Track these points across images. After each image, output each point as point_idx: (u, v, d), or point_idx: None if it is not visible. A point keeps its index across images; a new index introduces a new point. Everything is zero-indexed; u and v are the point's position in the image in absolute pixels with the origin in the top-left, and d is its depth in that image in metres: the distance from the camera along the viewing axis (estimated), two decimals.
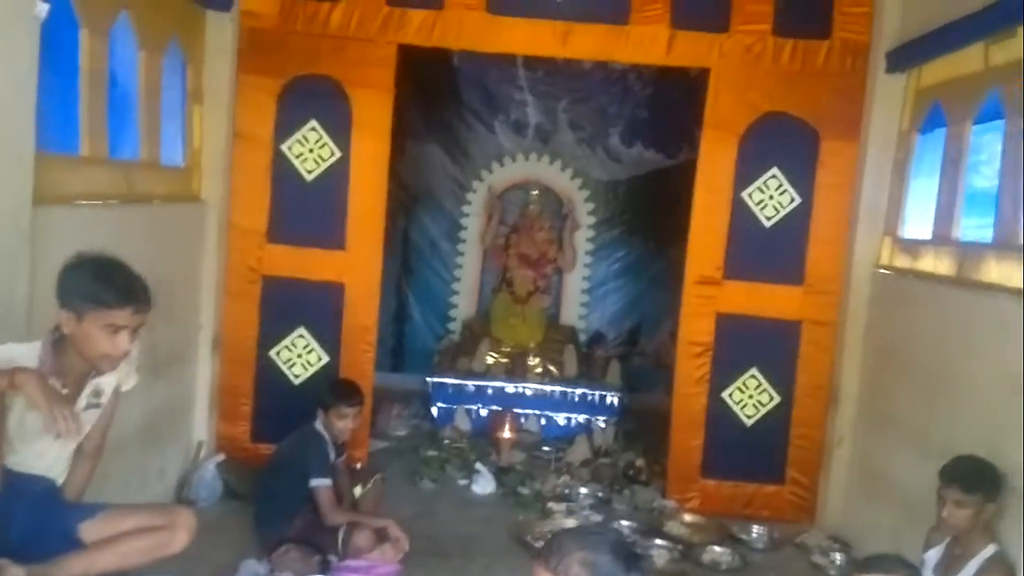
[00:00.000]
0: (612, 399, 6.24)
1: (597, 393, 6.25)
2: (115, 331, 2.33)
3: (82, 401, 2.51)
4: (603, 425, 6.16)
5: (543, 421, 6.26)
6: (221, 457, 4.65)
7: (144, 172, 4.03)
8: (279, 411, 4.84)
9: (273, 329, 4.89)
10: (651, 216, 7.19)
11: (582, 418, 6.23)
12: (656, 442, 5.67)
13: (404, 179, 7.24)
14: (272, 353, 4.89)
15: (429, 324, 7.40)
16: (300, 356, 4.90)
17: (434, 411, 6.28)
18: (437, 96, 7.13)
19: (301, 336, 4.89)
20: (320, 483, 3.90)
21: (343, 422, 4.05)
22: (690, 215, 4.90)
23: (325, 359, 4.91)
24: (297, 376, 4.91)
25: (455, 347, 6.76)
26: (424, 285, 7.40)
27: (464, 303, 7.25)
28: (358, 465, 4.74)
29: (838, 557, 4.35)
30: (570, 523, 4.47)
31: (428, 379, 6.32)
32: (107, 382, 2.58)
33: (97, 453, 2.71)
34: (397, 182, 7.12)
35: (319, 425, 4.07)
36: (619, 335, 7.40)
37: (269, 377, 4.88)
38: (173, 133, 4.38)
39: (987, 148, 4.09)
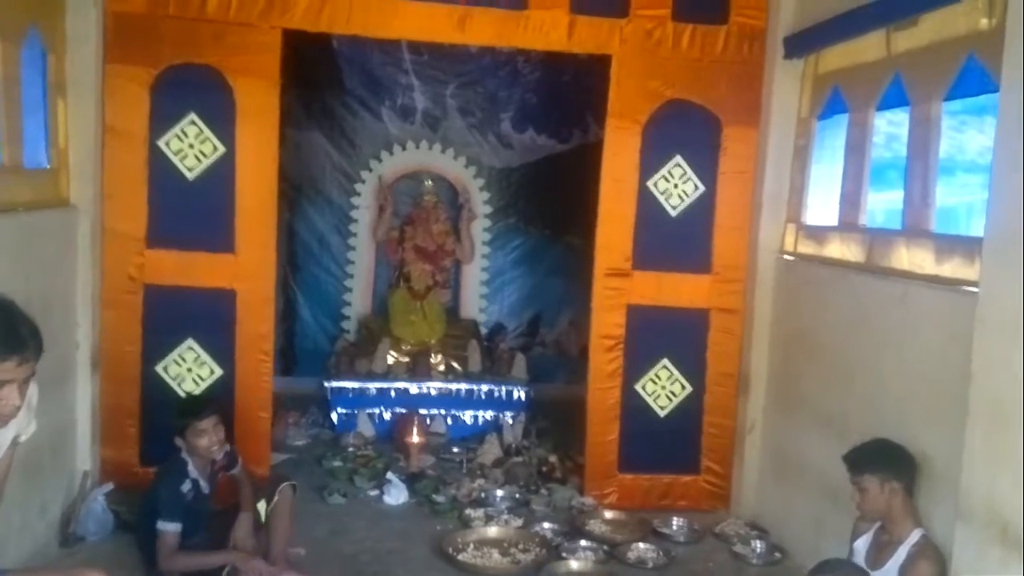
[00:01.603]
0: (519, 394, 6.11)
1: (504, 388, 6.10)
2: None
3: None
4: (511, 421, 6.03)
5: (450, 421, 6.07)
6: (109, 487, 4.23)
7: (7, 176, 3.57)
8: (170, 431, 4.43)
9: (159, 342, 4.49)
10: (547, 203, 7.11)
11: (490, 415, 6.09)
12: (566, 436, 5.60)
13: (287, 170, 6.81)
14: (159, 368, 4.50)
15: (321, 324, 7.07)
16: (190, 370, 4.53)
17: (334, 417, 5.99)
18: (318, 81, 6.78)
19: (191, 348, 4.52)
20: (163, 526, 3.51)
21: (204, 439, 3.64)
22: (590, 201, 4.80)
23: (218, 372, 4.55)
24: (188, 392, 4.53)
25: (352, 348, 6.48)
26: (313, 282, 7.06)
27: (358, 300, 6.96)
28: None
29: (758, 545, 4.37)
30: (491, 531, 4.33)
31: (326, 383, 6.01)
32: (4, 434, 2.23)
33: None
34: (279, 174, 6.78)
35: (184, 453, 3.69)
36: (519, 326, 7.28)
37: (157, 395, 4.48)
38: (35, 131, 3.91)
39: (888, 133, 4.13)
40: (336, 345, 6.61)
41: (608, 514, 4.66)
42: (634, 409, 4.82)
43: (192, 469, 3.66)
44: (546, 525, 4.51)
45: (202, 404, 3.86)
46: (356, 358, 6.25)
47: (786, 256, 4.65)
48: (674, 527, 4.62)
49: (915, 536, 3.11)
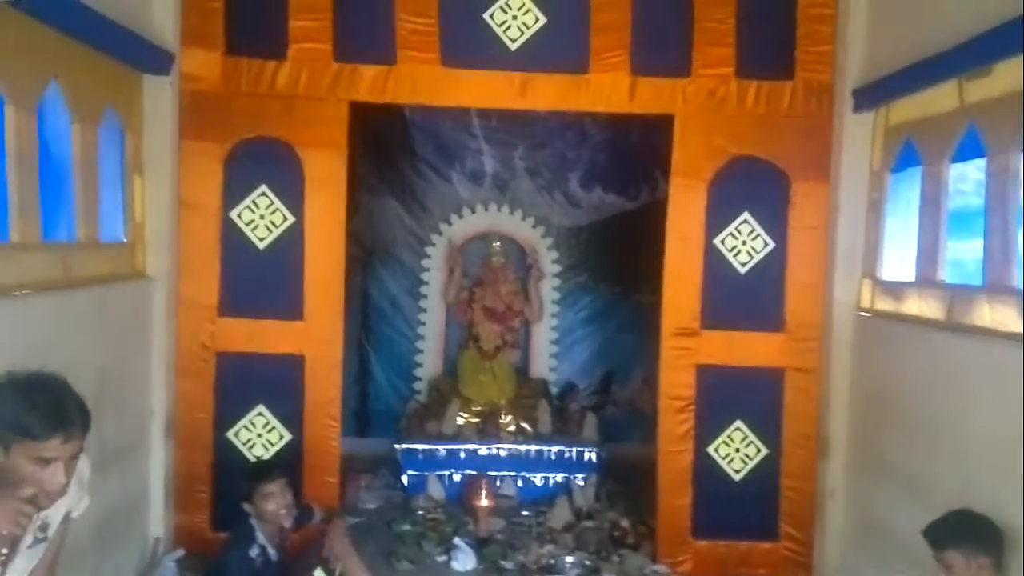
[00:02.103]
0: (590, 455, 6.00)
1: (574, 449, 6.00)
2: (45, 463, 2.02)
3: (28, 538, 2.19)
4: (582, 483, 5.91)
5: (520, 483, 5.98)
6: (180, 553, 4.31)
7: (83, 253, 3.73)
8: (241, 496, 4.53)
9: (230, 409, 4.58)
10: (616, 261, 7.04)
11: (560, 477, 5.98)
12: (640, 498, 5.44)
13: (360, 235, 7.00)
14: (230, 434, 4.58)
15: (393, 385, 7.10)
16: (260, 436, 4.60)
17: (404, 479, 5.97)
18: (390, 148, 6.92)
19: (260, 414, 4.59)
20: None
21: (272, 503, 3.69)
22: (657, 259, 4.73)
23: (287, 437, 4.61)
24: (258, 457, 4.59)
25: (423, 409, 6.48)
26: (386, 344, 7.11)
27: (429, 362, 6.98)
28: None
29: None
30: None
31: (396, 445, 6.02)
32: (55, 513, 2.27)
33: None
34: (352, 238, 6.87)
35: (252, 519, 3.73)
36: (591, 385, 7.17)
37: (228, 460, 4.55)
38: (113, 207, 4.09)
39: (966, 186, 3.97)
40: (407, 407, 6.62)
41: None
42: (707, 472, 4.67)
43: (260, 535, 3.69)
44: None
45: (270, 467, 3.91)
46: (426, 420, 6.25)
47: (863, 313, 4.48)
48: None
49: None
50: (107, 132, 3.96)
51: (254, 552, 3.64)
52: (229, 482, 4.48)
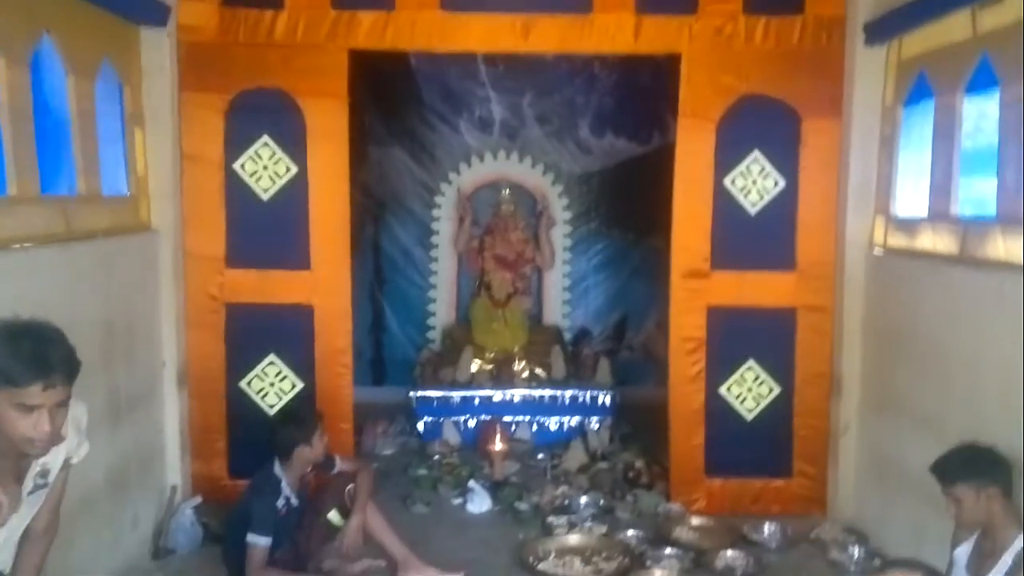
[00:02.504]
0: (604, 398, 6.03)
1: (588, 393, 6.03)
2: (28, 411, 1.98)
3: (28, 483, 2.22)
4: (597, 426, 5.94)
5: (534, 427, 6.04)
6: (198, 500, 4.37)
7: (84, 206, 3.72)
8: (256, 444, 4.48)
9: (241, 358, 4.61)
10: (628, 206, 6.99)
11: (574, 421, 6.02)
12: (654, 440, 5.47)
13: (369, 186, 7.01)
14: (243, 384, 4.61)
15: (408, 334, 7.14)
16: (273, 384, 4.63)
17: (420, 426, 6.03)
18: (397, 98, 6.87)
19: (272, 363, 4.62)
20: (254, 539, 3.57)
21: (321, 446, 3.78)
22: (669, 204, 4.66)
23: (300, 385, 4.64)
24: (272, 406, 4.64)
25: (437, 357, 6.51)
26: (399, 294, 7.14)
27: (442, 311, 7.00)
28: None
29: (856, 551, 4.15)
30: (574, 539, 4.25)
31: (411, 393, 6.06)
32: (55, 459, 2.28)
33: (48, 533, 2.42)
34: (362, 190, 6.92)
35: (277, 468, 3.75)
36: (605, 330, 7.18)
37: (242, 409, 4.60)
38: (114, 160, 4.08)
39: (980, 117, 3.87)
40: (421, 355, 6.65)
41: (695, 520, 4.52)
42: (720, 412, 4.66)
43: (286, 486, 3.73)
44: (630, 532, 4.40)
45: (313, 411, 3.96)
46: (440, 368, 6.28)
47: (876, 250, 4.42)
48: (765, 533, 4.43)
49: (1020, 543, 2.88)
50: (104, 86, 3.92)
51: (280, 503, 3.69)
52: (245, 430, 4.59)
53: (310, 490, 3.89)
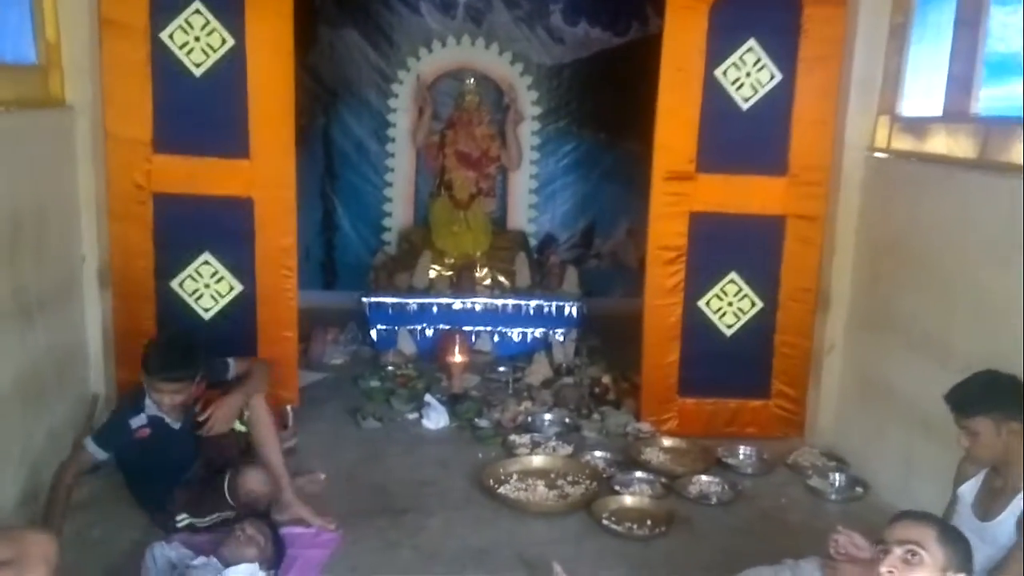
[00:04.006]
0: (571, 309, 5.67)
1: (554, 304, 5.66)
2: None
3: None
4: (562, 339, 5.60)
5: (496, 339, 5.67)
6: None
7: None
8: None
9: (172, 256, 4.12)
10: (601, 104, 6.53)
11: (539, 332, 5.67)
12: (622, 354, 5.15)
13: (320, 71, 6.42)
14: (174, 284, 4.13)
15: (362, 236, 6.67)
16: (208, 286, 4.16)
17: (373, 334, 5.63)
18: None
19: (206, 263, 4.14)
20: (85, 443, 3.19)
21: (159, 396, 3.17)
22: (651, 99, 4.20)
23: (238, 288, 4.18)
24: (207, 309, 4.18)
25: (392, 261, 6.07)
26: (352, 192, 6.63)
27: (399, 211, 6.52)
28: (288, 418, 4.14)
29: (837, 477, 3.91)
30: (537, 460, 3.93)
31: (364, 299, 5.63)
32: None
33: None
34: (312, 75, 6.37)
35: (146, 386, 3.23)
36: (572, 237, 6.78)
37: (173, 313, 4.13)
38: (16, 22, 3.48)
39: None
40: (375, 259, 6.20)
41: (667, 442, 4.23)
42: (697, 328, 4.33)
43: (150, 404, 3.21)
44: (598, 454, 4.09)
45: (176, 362, 3.21)
46: (396, 272, 5.84)
47: (877, 154, 4.03)
48: (741, 456, 4.16)
49: None
50: None
51: (136, 421, 3.19)
52: None
53: (203, 404, 3.36)
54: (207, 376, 3.35)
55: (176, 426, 3.29)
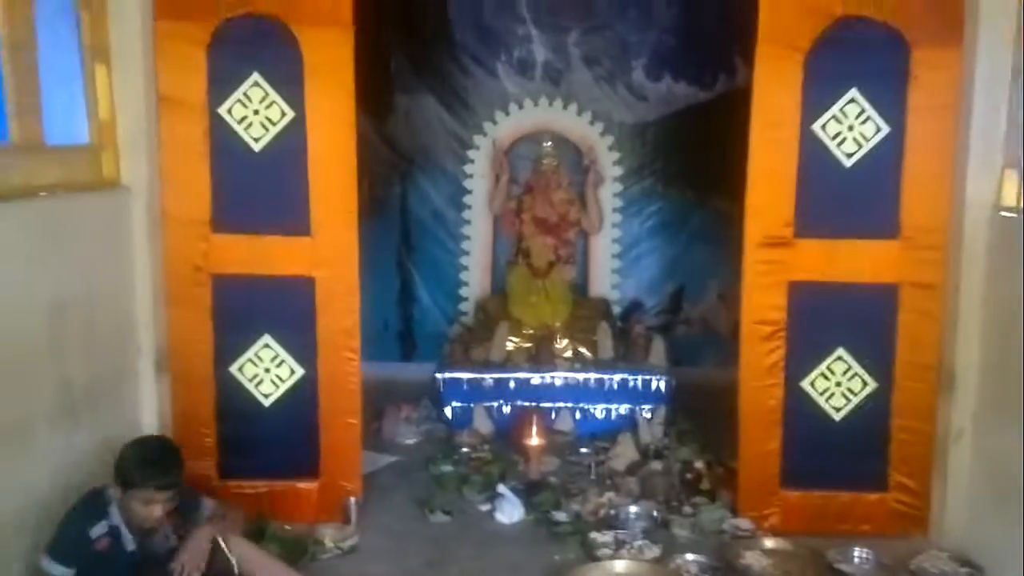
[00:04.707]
0: (658, 384, 5.24)
1: (640, 378, 5.25)
2: None
3: None
4: (649, 416, 5.17)
5: (577, 415, 5.28)
6: None
7: (16, 157, 3.02)
8: (250, 439, 3.94)
9: (232, 340, 3.91)
10: (687, 161, 6.17)
11: (624, 409, 5.25)
12: (715, 432, 4.71)
13: (396, 140, 6.29)
14: (233, 369, 3.92)
15: (439, 305, 6.43)
16: (268, 371, 3.93)
17: (448, 412, 5.32)
18: (426, 39, 6.14)
19: (267, 346, 3.92)
20: (47, 566, 2.76)
21: (148, 510, 2.84)
22: (741, 157, 3.81)
23: (300, 372, 3.94)
24: (267, 395, 3.95)
25: (468, 333, 5.77)
26: (430, 261, 6.41)
27: (476, 280, 6.25)
28: None
29: None
30: (620, 566, 3.50)
31: (438, 375, 5.35)
32: None
33: None
34: (389, 144, 6.27)
35: (110, 493, 2.89)
36: (659, 303, 6.37)
37: (233, 399, 3.92)
38: (69, 103, 3.38)
39: None
40: (451, 331, 5.92)
41: (769, 543, 3.73)
42: (801, 411, 3.86)
43: (116, 512, 2.87)
44: (690, 557, 3.62)
45: (170, 464, 2.93)
46: (472, 345, 5.55)
47: (1005, 212, 3.53)
48: (856, 559, 3.63)
49: None
50: (50, 11, 3.20)
51: (98, 531, 2.82)
52: (236, 424, 3.94)
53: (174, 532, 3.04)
54: (176, 512, 3.03)
55: (131, 547, 2.91)
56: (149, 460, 2.89)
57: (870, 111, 3.68)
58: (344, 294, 3.88)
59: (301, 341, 3.91)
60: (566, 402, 5.27)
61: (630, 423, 5.15)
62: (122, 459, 2.87)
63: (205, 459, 3.93)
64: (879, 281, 3.76)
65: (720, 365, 5.75)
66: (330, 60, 3.73)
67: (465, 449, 4.91)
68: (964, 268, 3.65)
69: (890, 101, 3.67)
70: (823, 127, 3.70)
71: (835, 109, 3.68)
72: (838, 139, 3.70)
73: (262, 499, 3.94)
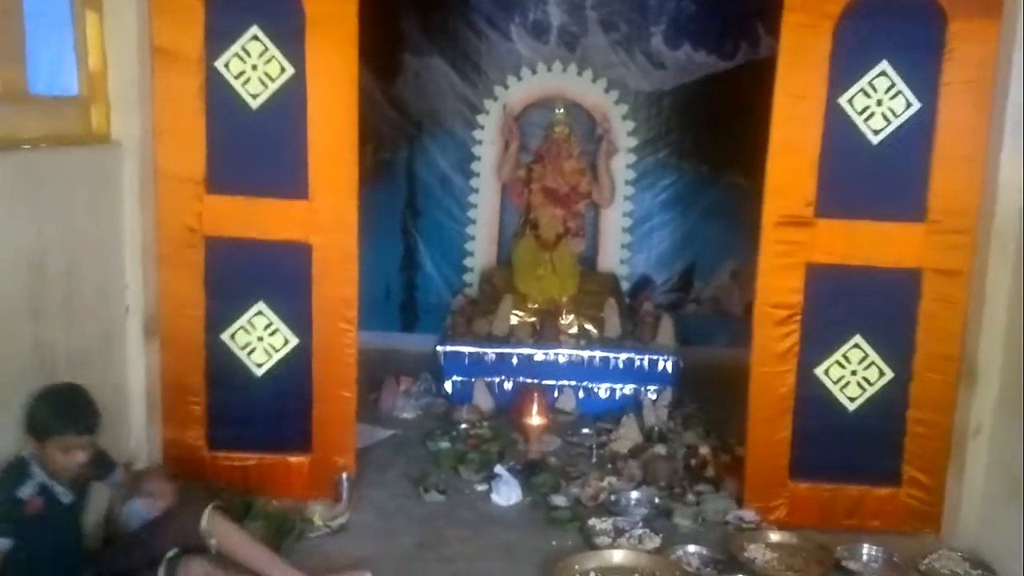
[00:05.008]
0: (665, 364, 5.10)
1: (647, 357, 5.11)
2: None
3: None
4: (655, 398, 5.02)
5: (581, 394, 5.14)
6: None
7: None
8: (241, 410, 3.81)
9: (225, 306, 3.76)
10: (704, 134, 5.97)
11: (628, 389, 5.12)
12: (723, 416, 4.61)
13: (405, 101, 6.10)
14: (225, 336, 3.77)
15: (444, 276, 6.27)
16: (261, 339, 3.78)
17: (448, 386, 5.18)
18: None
19: (260, 313, 3.77)
20: None
21: (69, 457, 2.67)
22: (760, 128, 3.62)
23: (294, 341, 3.79)
24: (260, 364, 3.80)
25: (471, 305, 5.63)
26: (436, 229, 6.24)
27: (481, 250, 6.09)
28: None
29: None
30: (619, 556, 3.36)
31: (439, 348, 5.20)
32: None
33: None
34: (396, 106, 6.07)
35: (26, 455, 2.69)
36: (670, 279, 6.20)
37: (224, 367, 3.78)
38: (57, 51, 3.21)
39: None
40: (454, 302, 5.76)
41: (775, 536, 3.59)
42: (814, 400, 3.69)
43: (38, 470, 2.69)
44: (691, 549, 3.48)
45: (85, 412, 2.74)
46: (475, 318, 5.40)
47: None
48: (864, 557, 3.50)
49: None
50: None
51: (26, 491, 2.64)
52: (227, 393, 3.81)
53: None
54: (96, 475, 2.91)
55: (67, 499, 2.77)
56: (63, 405, 2.71)
57: (901, 85, 3.47)
58: (342, 262, 3.72)
59: (296, 309, 3.76)
60: (569, 380, 5.13)
61: (634, 404, 5.00)
62: (33, 411, 2.66)
63: (193, 429, 3.81)
64: (902, 266, 3.58)
65: (730, 346, 5.68)
66: (333, 14, 3.54)
67: (464, 425, 4.77)
68: (992, 255, 3.46)
69: (923, 75, 3.47)
70: (850, 101, 3.50)
71: (864, 82, 3.48)
72: (865, 114, 3.50)
73: (251, 472, 3.83)
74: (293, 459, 3.85)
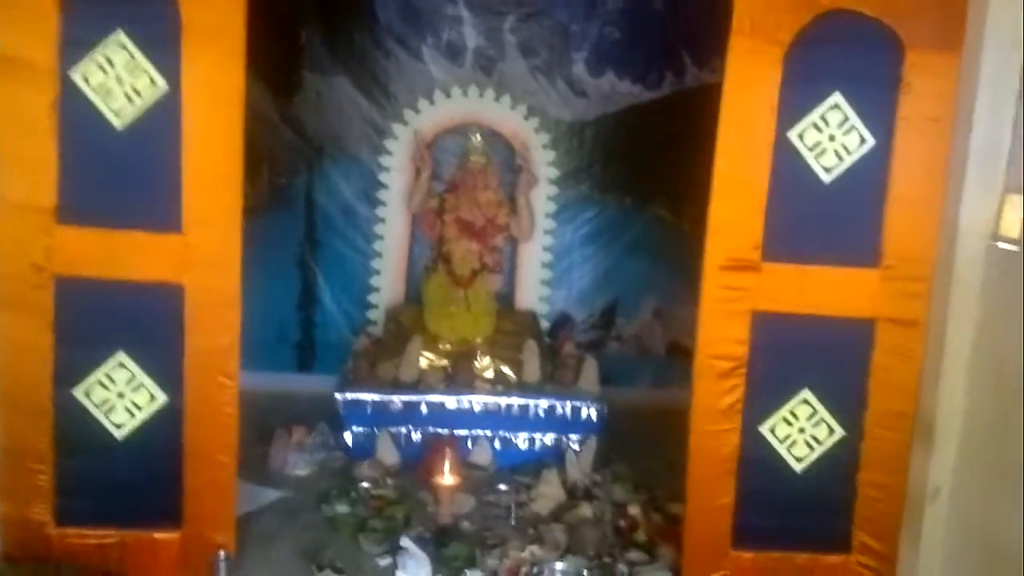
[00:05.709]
0: (589, 411, 4.69)
1: (569, 404, 4.69)
2: None
3: None
4: (578, 448, 4.62)
5: (497, 445, 4.69)
6: None
7: None
8: (97, 479, 3.22)
9: (78, 356, 3.16)
10: (628, 166, 5.65)
11: (550, 439, 4.70)
12: (650, 465, 4.31)
13: (304, 123, 5.59)
14: (78, 392, 3.17)
15: (346, 312, 5.75)
16: (122, 396, 3.20)
17: (348, 438, 4.66)
18: (344, 15, 5.47)
19: (121, 366, 3.18)
20: None
21: None
22: (691, 164, 3.32)
23: (162, 398, 3.22)
24: (120, 425, 3.22)
25: (376, 346, 5.12)
26: (337, 262, 5.72)
27: (388, 285, 5.60)
28: None
29: None
30: None
31: (337, 395, 4.67)
32: None
33: None
34: (295, 128, 5.56)
35: None
36: (590, 317, 5.84)
37: (76, 429, 3.18)
38: None
39: None
40: (355, 343, 5.23)
41: None
42: (758, 460, 3.33)
43: None
44: None
45: None
46: (380, 360, 4.89)
47: (1004, 244, 3.08)
48: None
49: None
50: None
51: None
52: (80, 459, 3.21)
53: None
54: None
55: None
56: None
57: (854, 119, 3.17)
58: (220, 306, 3.17)
59: (165, 361, 3.20)
60: (485, 430, 4.68)
61: (556, 455, 4.59)
62: None
63: (38, 503, 3.20)
64: (854, 315, 3.27)
65: (653, 386, 5.59)
66: (215, 22, 3.02)
67: (365, 484, 4.26)
68: (952, 305, 3.18)
69: (878, 109, 3.17)
70: (800, 135, 3.18)
71: (815, 115, 3.17)
72: (817, 150, 3.19)
73: (110, 552, 3.24)
74: (160, 536, 3.27)
